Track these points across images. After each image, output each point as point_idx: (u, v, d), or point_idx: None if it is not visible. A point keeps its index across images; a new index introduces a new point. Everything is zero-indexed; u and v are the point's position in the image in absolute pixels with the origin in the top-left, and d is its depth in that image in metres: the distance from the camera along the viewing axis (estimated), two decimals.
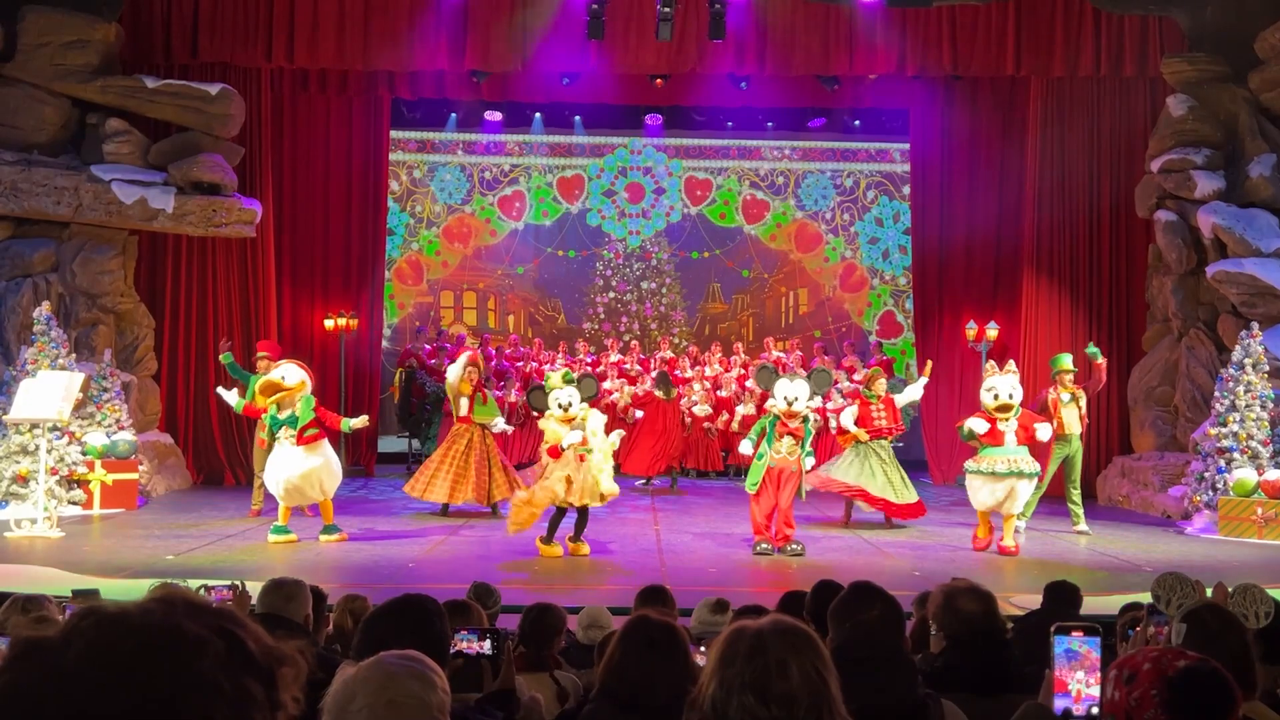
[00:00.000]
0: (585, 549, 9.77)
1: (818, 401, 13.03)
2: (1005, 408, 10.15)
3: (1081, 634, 2.56)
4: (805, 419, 9.97)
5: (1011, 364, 10.90)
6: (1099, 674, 2.51)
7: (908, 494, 11.57)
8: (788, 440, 9.81)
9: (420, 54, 14.41)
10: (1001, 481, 10.05)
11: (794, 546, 9.79)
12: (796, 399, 9.83)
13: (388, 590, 7.54)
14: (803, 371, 12.01)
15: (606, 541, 10.42)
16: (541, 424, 9.89)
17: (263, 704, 1.12)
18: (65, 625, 1.11)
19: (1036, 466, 10.22)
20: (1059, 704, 2.54)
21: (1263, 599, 3.45)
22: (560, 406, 9.66)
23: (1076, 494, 11.47)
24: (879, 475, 11.47)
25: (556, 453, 9.59)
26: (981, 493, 10.17)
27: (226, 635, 1.12)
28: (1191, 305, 13.76)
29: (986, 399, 10.31)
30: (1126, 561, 9.84)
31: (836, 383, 16.17)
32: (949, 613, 3.44)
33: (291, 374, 10.03)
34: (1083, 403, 11.35)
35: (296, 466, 9.93)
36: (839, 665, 1.91)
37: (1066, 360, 11.53)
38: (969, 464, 10.46)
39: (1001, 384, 10.25)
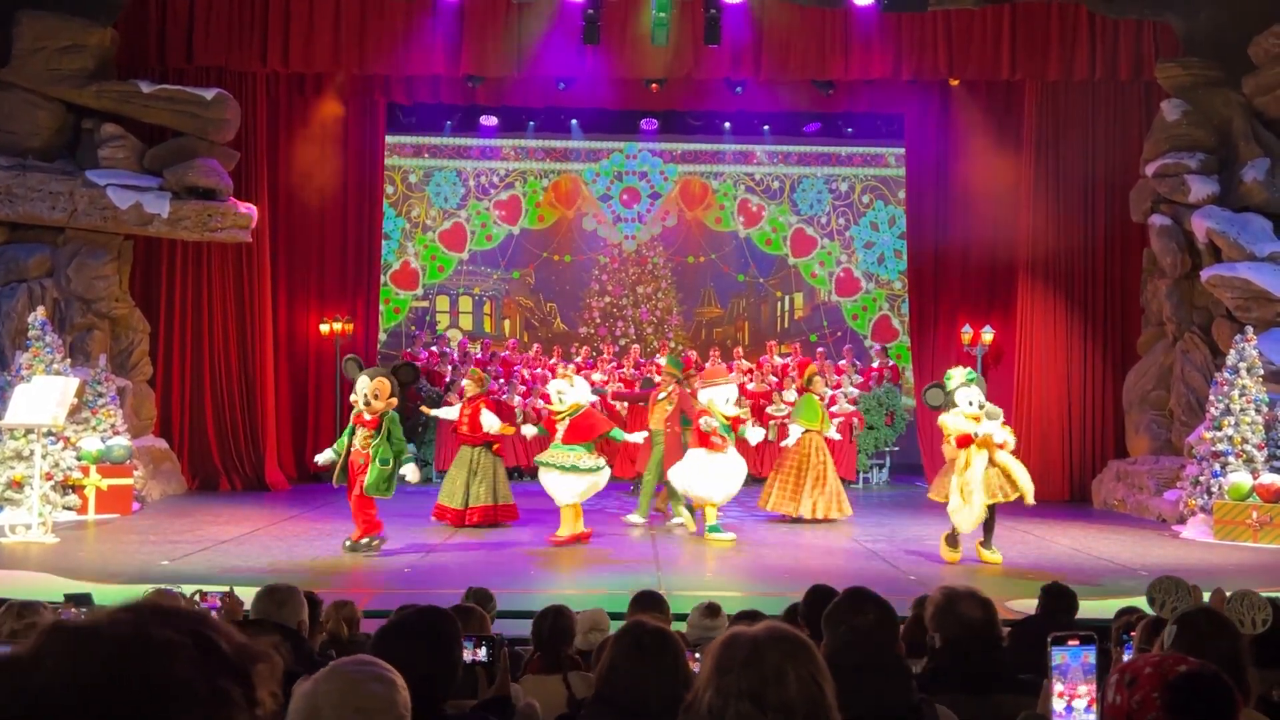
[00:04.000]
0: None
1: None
2: None
3: (1078, 643, 2.55)
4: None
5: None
6: (1094, 682, 2.51)
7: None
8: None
9: (416, 59, 14.40)
10: None
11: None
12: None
13: (383, 596, 7.55)
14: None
15: (603, 545, 10.41)
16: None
17: (240, 704, 1.11)
18: (34, 643, 1.09)
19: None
20: (1058, 715, 2.54)
21: (1260, 605, 3.46)
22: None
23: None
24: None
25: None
26: None
27: (198, 637, 1.11)
28: (1186, 309, 13.78)
29: None
30: (1121, 566, 9.84)
31: (838, 385, 16.18)
32: (950, 616, 3.44)
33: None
34: (669, 405, 12.02)
35: None
36: (833, 670, 1.90)
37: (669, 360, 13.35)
38: None
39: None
